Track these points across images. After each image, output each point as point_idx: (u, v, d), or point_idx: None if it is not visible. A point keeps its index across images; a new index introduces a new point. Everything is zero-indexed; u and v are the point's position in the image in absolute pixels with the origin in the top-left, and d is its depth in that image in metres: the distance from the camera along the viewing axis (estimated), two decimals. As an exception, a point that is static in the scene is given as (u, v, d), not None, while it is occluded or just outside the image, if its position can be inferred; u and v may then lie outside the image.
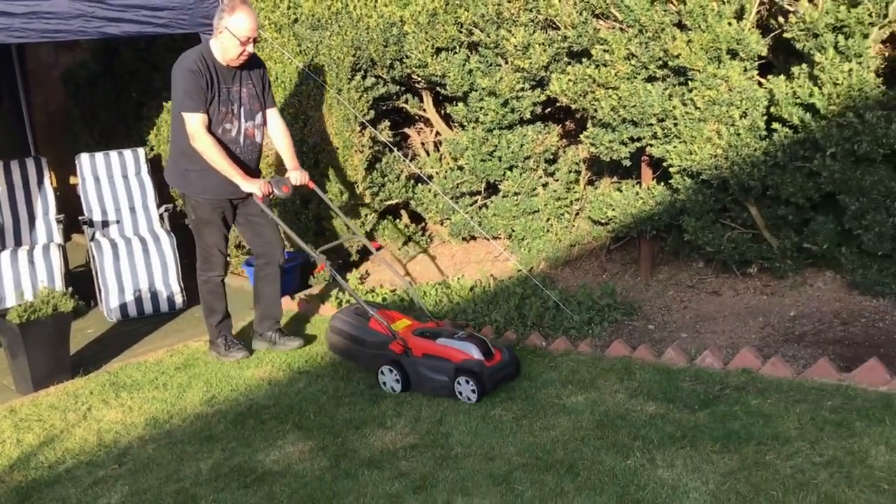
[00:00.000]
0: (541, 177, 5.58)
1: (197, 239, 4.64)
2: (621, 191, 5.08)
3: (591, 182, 5.71)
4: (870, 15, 3.78)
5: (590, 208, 5.30)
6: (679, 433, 3.26)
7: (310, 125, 5.81)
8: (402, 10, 5.42)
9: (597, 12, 4.64)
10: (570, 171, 5.57)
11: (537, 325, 4.69)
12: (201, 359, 4.86)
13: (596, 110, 4.78)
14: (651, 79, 4.56)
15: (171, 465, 3.54)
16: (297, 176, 4.54)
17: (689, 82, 4.38)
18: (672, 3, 4.28)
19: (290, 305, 5.70)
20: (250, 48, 4.24)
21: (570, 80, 4.83)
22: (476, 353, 3.82)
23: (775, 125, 4.25)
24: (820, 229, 4.36)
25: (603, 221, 5.23)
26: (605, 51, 4.59)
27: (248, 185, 4.27)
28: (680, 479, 2.92)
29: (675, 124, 4.48)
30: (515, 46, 4.97)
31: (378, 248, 4.72)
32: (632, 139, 4.75)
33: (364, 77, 5.72)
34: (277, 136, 4.61)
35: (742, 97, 4.20)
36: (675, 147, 4.53)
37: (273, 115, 4.59)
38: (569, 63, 4.99)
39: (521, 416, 3.61)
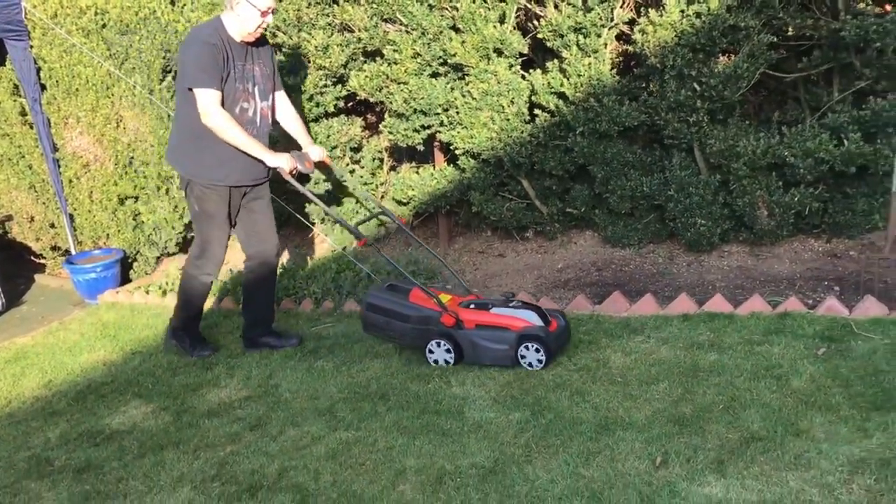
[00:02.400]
0: (348, 164, 6.17)
1: (197, 232, 4.30)
2: (419, 173, 5.80)
3: (393, 167, 6.38)
4: (600, 19, 4.69)
5: (393, 190, 5.97)
6: (470, 363, 3.98)
7: (124, 124, 6.07)
8: (207, 15, 5.81)
9: (385, 17, 5.31)
10: (373, 159, 6.20)
11: (352, 293, 5.29)
12: (32, 351, 5.05)
13: (391, 103, 5.44)
14: (435, 74, 5.29)
15: (18, 440, 3.81)
16: (317, 151, 4.30)
17: (466, 77, 5.15)
18: (447, 9, 5.02)
19: (116, 298, 5.95)
20: (269, 19, 3.97)
21: (366, 76, 5.47)
22: (537, 320, 3.81)
23: (537, 111, 5.12)
24: (578, 196, 5.27)
25: (405, 201, 5.92)
26: (394, 50, 5.27)
27: (274, 158, 4.02)
28: (469, 392, 3.63)
29: (458, 113, 5.24)
30: (316, 47, 5.53)
31: (405, 223, 4.53)
32: (423, 127, 5.46)
33: (175, 78, 6.05)
34: (289, 116, 4.37)
35: (509, 88, 5.01)
36: (458, 133, 5.28)
37: (282, 96, 4.35)
38: (365, 61, 5.63)
39: (341, 364, 4.20)
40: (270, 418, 3.66)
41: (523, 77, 5.11)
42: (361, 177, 6.16)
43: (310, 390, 3.91)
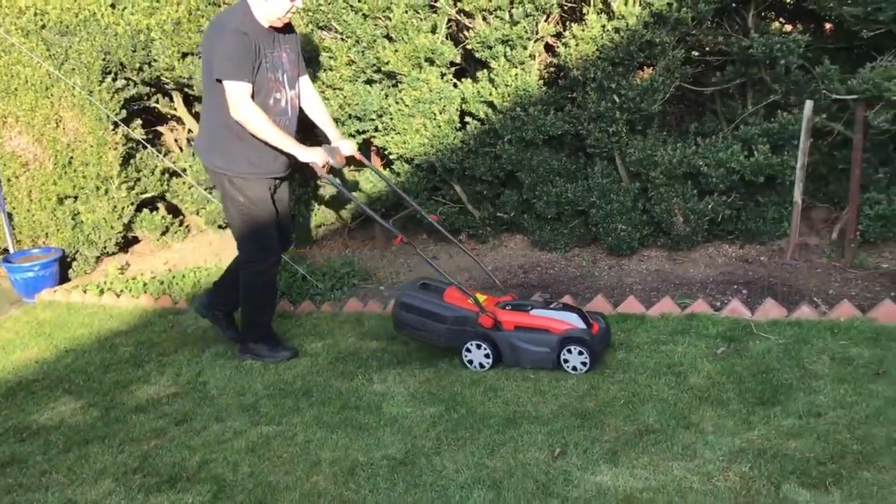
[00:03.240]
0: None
1: (244, 226, 4.06)
2: (356, 177, 5.92)
3: (330, 171, 6.50)
4: (526, 32, 4.88)
5: (329, 194, 6.09)
6: (394, 360, 4.13)
7: (63, 125, 6.10)
8: (147, 18, 5.88)
9: (321, 25, 5.43)
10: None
11: (286, 293, 5.40)
12: (-37, 349, 5.07)
13: (327, 108, 5.57)
14: (369, 81, 5.44)
15: (-55, 435, 3.85)
16: (348, 146, 4.13)
17: (399, 84, 5.30)
18: (380, 18, 5.17)
19: (53, 297, 5.98)
20: (300, 3, 3.83)
21: (303, 82, 5.59)
22: (580, 323, 3.75)
23: (467, 119, 5.29)
24: (507, 201, 5.45)
25: (342, 205, 6.05)
26: (330, 57, 5.41)
27: (307, 153, 3.86)
28: (389, 388, 3.78)
29: (391, 119, 5.39)
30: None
31: (436, 220, 4.43)
32: (358, 132, 5.59)
33: (115, 79, 6.11)
34: (315, 105, 4.20)
35: (440, 96, 5.18)
36: (392, 138, 5.44)
37: (307, 82, 4.17)
38: (303, 67, 5.74)
39: (269, 360, 4.31)
40: (196, 414, 3.76)
41: (455, 86, 5.28)
42: (295, 179, 6.27)
43: (237, 387, 4.02)
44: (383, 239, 6.15)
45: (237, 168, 3.94)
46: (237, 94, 3.72)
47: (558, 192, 5.10)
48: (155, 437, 3.55)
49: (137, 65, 6.06)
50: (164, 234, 6.73)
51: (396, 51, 5.15)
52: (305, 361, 4.24)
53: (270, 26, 3.84)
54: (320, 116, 4.22)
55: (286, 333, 4.68)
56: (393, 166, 5.69)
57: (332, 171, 4.05)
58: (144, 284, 5.90)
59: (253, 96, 3.78)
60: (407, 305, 3.96)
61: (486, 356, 3.84)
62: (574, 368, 3.70)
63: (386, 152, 5.62)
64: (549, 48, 5.23)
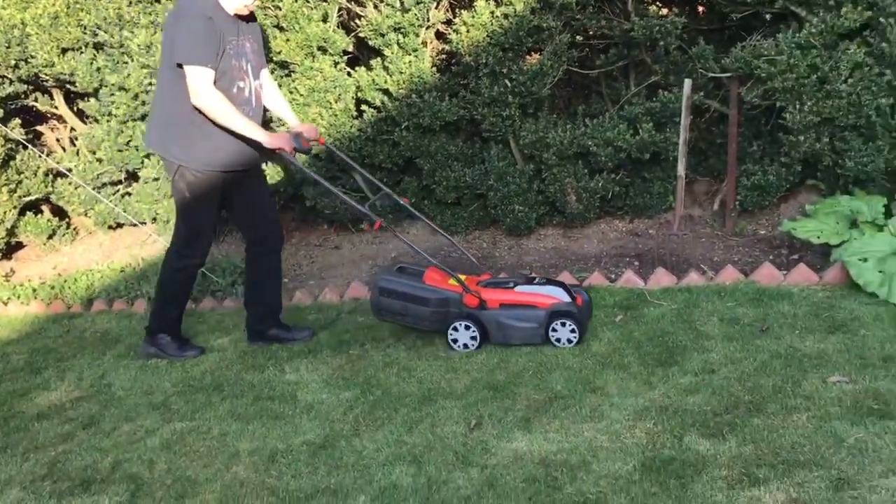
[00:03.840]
0: (178, 163, 6.13)
1: (183, 217, 3.99)
2: (251, 170, 5.86)
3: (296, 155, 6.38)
4: (418, 19, 4.96)
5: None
6: (304, 350, 4.14)
7: (-68, 127, 5.76)
8: (21, 12, 5.61)
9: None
10: (205, 157, 6.19)
11: (187, 291, 5.30)
12: None
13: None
14: (262, 72, 5.38)
15: None
16: (311, 129, 4.07)
17: (292, 74, 5.28)
18: (270, 8, 5.13)
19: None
20: None
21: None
22: (565, 296, 3.76)
23: (364, 107, 5.32)
24: (408, 187, 5.52)
25: (238, 198, 5.95)
26: (220, 49, 5.31)
27: (274, 139, 3.75)
28: (302, 377, 3.80)
29: (286, 109, 5.35)
30: (139, 46, 5.48)
31: (407, 203, 4.36)
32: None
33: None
34: (275, 96, 4.13)
35: (335, 85, 5.19)
36: (287, 129, 5.40)
37: (266, 74, 4.07)
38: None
39: (175, 359, 4.24)
40: (104, 416, 3.67)
41: (349, 74, 5.30)
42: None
43: (143, 386, 3.94)
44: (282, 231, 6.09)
45: (194, 161, 3.81)
46: (199, 80, 3.58)
47: (457, 176, 5.21)
48: (62, 443, 3.45)
49: (13, 62, 5.78)
50: (50, 237, 6.47)
51: (288, 40, 5.12)
52: (213, 357, 4.19)
53: (235, 13, 3.75)
54: (281, 106, 4.16)
55: (189, 330, 4.59)
56: (290, 157, 5.65)
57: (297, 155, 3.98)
58: (34, 290, 5.66)
59: (215, 83, 3.65)
60: (386, 291, 3.88)
61: (473, 336, 3.81)
62: (561, 341, 3.72)
63: (282, 143, 5.57)
64: (440, 35, 5.33)
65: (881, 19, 4.19)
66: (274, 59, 5.26)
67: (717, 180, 5.24)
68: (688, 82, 4.68)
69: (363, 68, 5.26)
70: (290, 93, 5.30)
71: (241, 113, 3.72)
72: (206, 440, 3.30)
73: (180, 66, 3.62)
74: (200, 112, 3.68)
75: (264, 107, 4.07)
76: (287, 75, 5.35)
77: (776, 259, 4.49)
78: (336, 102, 5.23)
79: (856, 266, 3.87)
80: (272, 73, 5.37)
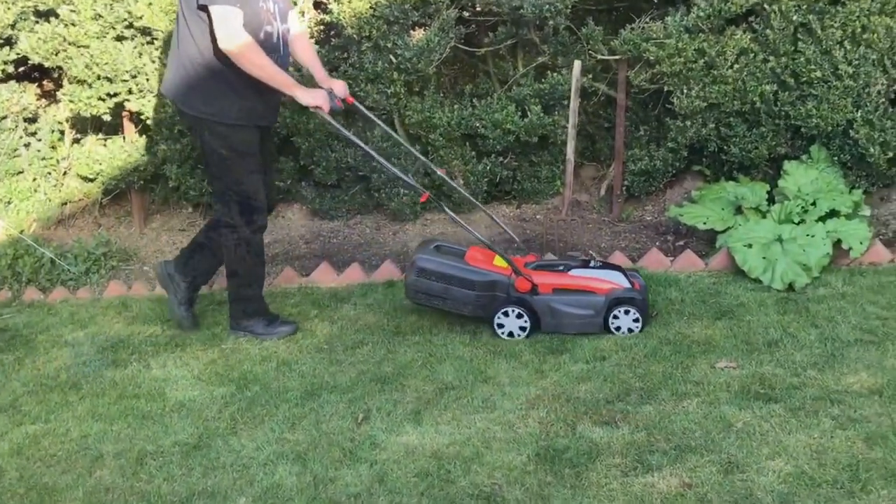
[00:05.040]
0: (21, 137, 5.80)
1: (227, 180, 3.75)
2: (107, 146, 5.62)
3: (76, 140, 6.10)
4: None
5: (77, 165, 5.73)
6: (172, 344, 4.03)
7: None
8: None
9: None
10: (52, 130, 5.89)
11: (33, 280, 5.05)
12: None
13: (70, 68, 5.22)
14: (120, 38, 5.17)
15: None
16: (341, 88, 3.83)
17: (155, 42, 5.10)
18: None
19: None
20: None
21: (39, 38, 5.19)
22: (624, 282, 3.68)
23: (235, 79, 5.19)
24: (283, 168, 5.44)
25: (92, 177, 5.70)
26: (72, 11, 5.07)
27: (310, 95, 3.56)
28: (171, 373, 3.70)
29: (147, 80, 5.17)
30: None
31: (444, 173, 4.19)
32: (109, 95, 5.30)
33: None
34: (303, 43, 3.92)
35: (204, 55, 5.04)
36: (149, 101, 5.22)
37: (295, 17, 3.88)
38: (37, 21, 5.33)
39: (24, 356, 4.04)
40: (-61, 422, 3.45)
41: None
42: (39, 150, 5.83)
43: (-13, 387, 3.74)
44: (141, 214, 5.88)
45: (223, 114, 3.61)
46: (229, 22, 3.38)
47: (337, 157, 5.18)
48: None
49: None
50: None
51: (150, 4, 4.94)
52: (69, 353, 4.02)
53: None
54: (308, 54, 3.93)
55: (39, 325, 4.39)
56: (151, 133, 5.46)
57: (333, 115, 3.76)
58: None
59: None
60: (425, 271, 3.72)
61: (523, 325, 3.71)
62: (621, 330, 3.67)
63: (143, 117, 5.38)
64: (318, 5, 5.27)
65: (765, 6, 4.47)
66: (134, 24, 5.06)
67: (604, 165, 5.45)
68: (577, 64, 4.85)
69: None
70: (153, 62, 5.12)
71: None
72: (65, 443, 3.16)
73: (203, 7, 3.43)
74: (225, 61, 3.49)
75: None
76: (149, 42, 5.16)
77: (663, 245, 4.72)
78: (205, 74, 5.08)
79: (741, 252, 4.13)
80: (131, 39, 5.18)
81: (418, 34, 5.10)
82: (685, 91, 4.64)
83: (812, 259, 3.98)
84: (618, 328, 3.67)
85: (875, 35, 4.37)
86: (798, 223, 4.23)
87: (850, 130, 4.49)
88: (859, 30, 4.37)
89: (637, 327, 3.66)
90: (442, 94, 5.27)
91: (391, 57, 4.89)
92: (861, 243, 4.10)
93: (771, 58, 4.52)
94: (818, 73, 4.42)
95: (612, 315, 3.65)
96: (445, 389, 3.32)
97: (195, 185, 5.43)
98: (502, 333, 3.73)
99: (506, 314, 3.70)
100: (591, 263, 3.90)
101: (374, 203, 5.45)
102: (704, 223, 4.49)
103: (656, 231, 4.96)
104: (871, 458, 2.58)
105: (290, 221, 5.60)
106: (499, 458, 2.81)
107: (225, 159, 3.70)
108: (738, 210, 4.51)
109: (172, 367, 3.77)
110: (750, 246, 4.14)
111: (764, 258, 4.07)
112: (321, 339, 3.92)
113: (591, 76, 5.06)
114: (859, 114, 4.47)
